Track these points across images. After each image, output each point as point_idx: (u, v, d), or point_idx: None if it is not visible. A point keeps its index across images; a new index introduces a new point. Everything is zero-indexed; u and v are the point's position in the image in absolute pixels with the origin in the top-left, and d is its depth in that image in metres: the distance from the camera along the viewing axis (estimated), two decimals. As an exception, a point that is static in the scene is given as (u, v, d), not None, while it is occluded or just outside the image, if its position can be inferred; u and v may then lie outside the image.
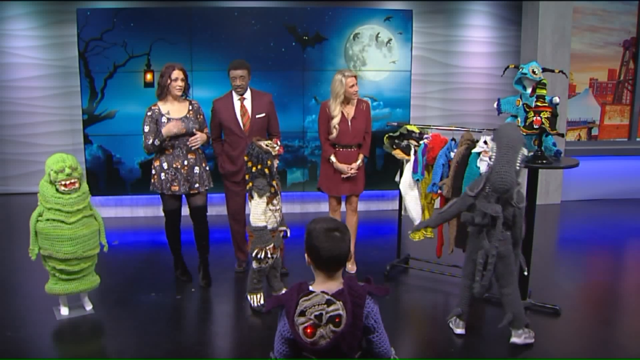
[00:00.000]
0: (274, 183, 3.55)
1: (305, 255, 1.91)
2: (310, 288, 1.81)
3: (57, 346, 3.34)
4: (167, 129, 3.83)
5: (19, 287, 4.19)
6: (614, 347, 3.35)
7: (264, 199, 3.50)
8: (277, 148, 3.57)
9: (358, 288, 1.76)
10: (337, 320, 1.70)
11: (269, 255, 3.54)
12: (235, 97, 4.13)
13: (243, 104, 4.13)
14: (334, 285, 1.81)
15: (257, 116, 4.13)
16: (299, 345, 1.74)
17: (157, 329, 3.47)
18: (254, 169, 3.49)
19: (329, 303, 1.71)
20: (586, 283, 4.45)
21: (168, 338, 3.37)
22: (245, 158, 3.55)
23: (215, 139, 4.27)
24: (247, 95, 4.15)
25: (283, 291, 3.78)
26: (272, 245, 3.53)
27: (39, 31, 6.82)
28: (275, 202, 3.57)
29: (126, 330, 3.48)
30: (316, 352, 1.73)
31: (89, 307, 3.70)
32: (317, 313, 1.70)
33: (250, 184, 3.52)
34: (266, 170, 3.48)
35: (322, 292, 1.75)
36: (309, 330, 1.69)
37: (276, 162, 3.60)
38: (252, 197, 3.54)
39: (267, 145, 3.53)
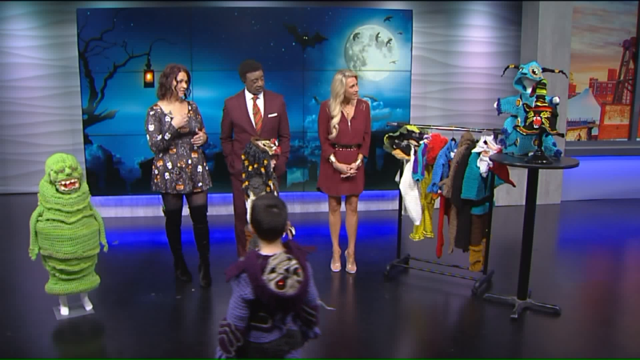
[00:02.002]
0: (270, 183, 3.55)
1: (250, 226, 2.22)
2: (262, 253, 2.13)
3: (57, 346, 3.34)
4: (179, 121, 3.88)
5: (19, 287, 4.19)
6: (614, 347, 3.35)
7: None
8: (274, 148, 3.58)
9: (300, 247, 2.16)
10: (298, 271, 2.07)
11: None
12: (248, 96, 4.15)
13: (256, 103, 4.16)
14: (277, 248, 2.15)
15: (270, 115, 4.17)
16: (264, 301, 2.03)
17: (157, 329, 3.48)
18: (250, 168, 3.52)
19: (289, 259, 2.08)
20: (586, 283, 4.45)
21: (168, 338, 3.37)
22: (243, 157, 3.57)
23: (225, 139, 4.28)
24: (260, 94, 4.18)
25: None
26: None
27: (39, 31, 6.82)
28: None
29: (126, 330, 3.48)
30: (281, 303, 2.04)
31: (89, 307, 3.70)
32: (285, 267, 2.04)
33: (246, 183, 3.54)
34: (262, 170, 3.49)
35: (280, 252, 2.09)
36: (280, 283, 2.02)
37: (273, 162, 3.61)
38: (248, 196, 3.56)
39: (264, 145, 3.54)
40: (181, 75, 3.91)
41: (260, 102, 4.17)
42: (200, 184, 4.05)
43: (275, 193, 3.62)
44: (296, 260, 2.09)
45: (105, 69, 5.78)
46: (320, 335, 2.31)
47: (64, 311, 3.62)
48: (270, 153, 3.54)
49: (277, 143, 3.63)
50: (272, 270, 2.03)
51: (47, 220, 3.39)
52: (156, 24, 5.80)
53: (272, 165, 3.60)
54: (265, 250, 2.14)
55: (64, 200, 3.38)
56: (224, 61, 5.87)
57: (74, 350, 3.28)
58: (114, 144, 5.90)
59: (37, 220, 3.41)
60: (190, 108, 4.05)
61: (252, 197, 3.53)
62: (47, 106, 6.96)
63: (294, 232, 3.73)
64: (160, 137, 3.89)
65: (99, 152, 5.90)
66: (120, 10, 5.81)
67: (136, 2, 6.66)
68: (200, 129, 4.05)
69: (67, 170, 3.36)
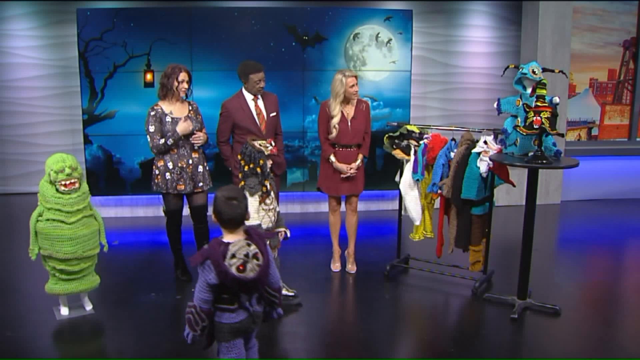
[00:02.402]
0: (267, 183, 3.56)
1: (213, 215, 2.38)
2: (224, 239, 2.32)
3: (57, 346, 3.34)
4: (183, 128, 3.87)
5: (19, 287, 4.19)
6: (614, 347, 3.35)
7: (256, 197, 3.52)
8: (270, 148, 3.58)
9: (260, 234, 2.40)
10: (257, 256, 2.28)
11: None
12: (249, 97, 4.15)
13: (257, 104, 4.16)
14: (238, 236, 2.35)
15: (271, 115, 4.19)
16: (227, 284, 2.23)
17: (157, 329, 3.48)
18: (246, 168, 3.52)
19: (248, 245, 2.28)
20: (586, 283, 4.45)
21: (168, 338, 3.36)
22: (239, 157, 3.57)
23: (225, 142, 4.25)
24: (259, 95, 4.19)
25: (283, 291, 3.81)
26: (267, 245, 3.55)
27: (39, 31, 6.82)
28: (268, 201, 3.58)
29: (126, 330, 3.48)
30: (243, 286, 2.25)
31: (89, 307, 3.70)
32: (244, 252, 2.25)
33: (242, 183, 3.55)
34: (258, 170, 3.50)
35: (240, 239, 2.30)
36: (241, 267, 2.22)
37: (270, 162, 3.61)
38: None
39: (259, 145, 3.55)
40: (182, 76, 3.93)
41: (261, 103, 4.18)
42: (200, 184, 4.06)
43: (273, 194, 3.63)
44: (255, 245, 2.29)
45: (105, 69, 5.78)
46: (282, 314, 2.54)
47: (64, 311, 3.62)
48: (266, 153, 3.54)
49: (273, 143, 3.63)
50: (233, 256, 2.23)
51: (47, 220, 3.39)
52: (156, 24, 5.80)
53: (269, 166, 3.61)
54: (227, 238, 2.33)
55: (64, 200, 3.38)
56: (224, 61, 5.87)
57: (74, 350, 3.27)
58: (114, 144, 5.90)
59: (37, 220, 3.41)
60: (190, 108, 4.07)
61: (247, 197, 3.53)
62: (47, 106, 6.96)
63: (289, 234, 3.74)
64: (162, 140, 3.90)
65: (99, 152, 5.90)
66: (120, 10, 5.81)
67: (136, 2, 6.66)
68: (200, 129, 4.06)
69: (67, 170, 3.36)
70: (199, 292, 2.29)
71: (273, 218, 3.66)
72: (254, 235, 2.35)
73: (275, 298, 2.43)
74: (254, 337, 2.54)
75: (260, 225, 3.54)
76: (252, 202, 3.51)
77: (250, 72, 4.06)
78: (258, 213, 3.54)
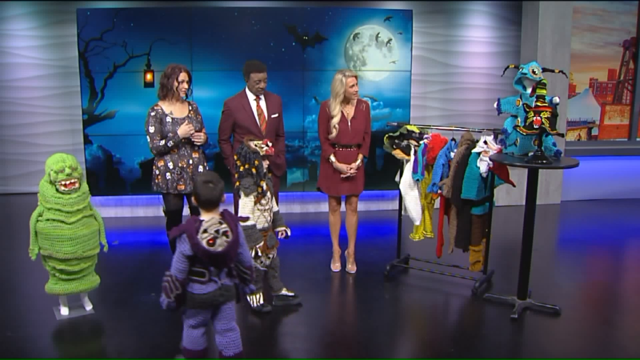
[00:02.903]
0: (262, 183, 3.55)
1: (193, 198, 2.69)
2: (201, 217, 2.62)
3: (57, 346, 3.34)
4: (184, 131, 3.88)
5: (19, 287, 4.19)
6: (614, 347, 3.35)
7: (251, 197, 3.52)
8: (265, 149, 3.57)
9: (232, 215, 2.69)
10: (227, 233, 2.58)
11: (259, 254, 3.55)
12: (251, 97, 4.16)
13: (259, 105, 4.17)
14: (213, 215, 2.65)
15: (272, 116, 4.19)
16: (199, 256, 2.54)
17: (157, 329, 3.47)
18: (241, 168, 3.53)
19: (220, 223, 2.60)
20: (586, 283, 4.45)
21: (168, 338, 3.36)
22: (235, 157, 3.58)
23: (225, 140, 4.28)
24: (261, 95, 4.19)
25: (283, 291, 3.82)
26: (261, 244, 3.55)
27: (39, 31, 6.82)
28: (263, 202, 3.58)
29: (126, 330, 3.48)
30: (212, 259, 2.55)
31: (89, 307, 3.70)
32: (215, 229, 2.57)
33: (238, 183, 3.55)
34: (253, 170, 3.50)
35: (214, 217, 2.61)
36: (210, 241, 2.53)
37: (266, 163, 3.61)
38: (239, 196, 3.57)
39: (255, 146, 3.55)
40: (182, 76, 3.93)
41: (263, 103, 4.19)
42: None
43: (269, 194, 3.63)
44: (227, 225, 2.60)
45: (105, 69, 5.78)
46: (254, 290, 2.89)
47: (64, 311, 3.62)
48: (261, 153, 3.54)
49: (269, 144, 3.62)
50: (205, 231, 2.55)
51: (47, 220, 3.39)
52: (156, 24, 5.80)
53: (265, 166, 3.60)
54: (204, 216, 2.65)
55: (64, 200, 3.38)
56: (224, 61, 5.87)
57: (74, 350, 3.27)
58: (114, 144, 5.90)
59: (37, 220, 3.41)
60: (190, 108, 4.07)
61: (243, 197, 3.54)
62: (47, 106, 6.96)
63: (289, 233, 3.75)
64: (162, 142, 3.90)
65: (99, 152, 5.90)
66: (120, 10, 5.81)
67: (136, 2, 6.66)
68: (200, 129, 4.07)
69: (67, 170, 3.36)
70: (176, 262, 2.58)
71: (269, 218, 3.66)
72: (227, 216, 2.65)
73: (246, 275, 2.74)
74: (229, 315, 2.77)
75: (254, 225, 3.54)
76: (247, 202, 3.52)
77: (252, 71, 4.07)
78: (253, 213, 3.54)
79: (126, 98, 5.82)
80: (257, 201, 3.55)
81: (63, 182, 3.36)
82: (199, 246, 2.52)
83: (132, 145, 5.86)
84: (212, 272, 2.63)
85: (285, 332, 3.53)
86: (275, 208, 3.78)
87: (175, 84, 3.92)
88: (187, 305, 2.69)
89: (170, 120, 3.93)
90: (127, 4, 6.51)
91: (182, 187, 4.01)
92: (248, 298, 3.75)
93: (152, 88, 5.71)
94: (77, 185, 3.43)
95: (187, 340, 2.79)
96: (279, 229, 3.74)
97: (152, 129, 3.91)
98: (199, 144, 4.03)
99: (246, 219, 2.85)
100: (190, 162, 4.01)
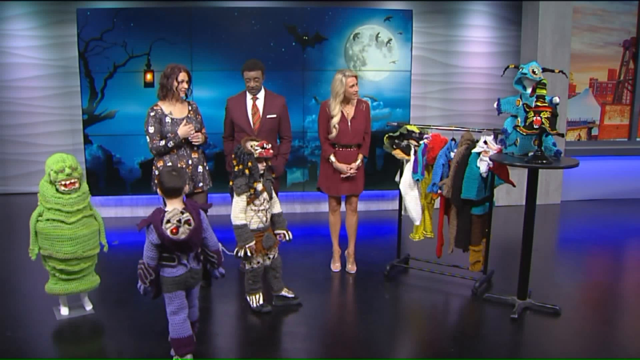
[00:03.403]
0: (256, 185, 3.54)
1: (157, 187, 2.89)
2: (165, 209, 2.83)
3: (57, 346, 3.33)
4: (184, 131, 3.87)
5: (19, 287, 4.19)
6: (614, 347, 3.35)
7: (243, 197, 3.53)
8: (259, 151, 3.56)
9: (194, 204, 2.91)
10: (189, 221, 2.78)
11: (248, 254, 3.55)
12: (249, 96, 4.17)
13: (255, 104, 4.17)
14: (178, 205, 2.85)
15: (268, 116, 4.17)
16: (165, 245, 2.76)
17: (157, 329, 3.47)
18: (236, 168, 3.53)
19: (182, 212, 2.79)
20: (586, 283, 4.45)
21: (168, 338, 3.36)
22: (232, 156, 3.59)
23: (227, 137, 4.29)
24: (261, 95, 4.19)
25: (283, 291, 3.82)
26: (252, 244, 3.55)
27: (39, 31, 6.82)
28: (257, 202, 3.58)
29: (126, 330, 3.48)
30: (178, 245, 2.76)
31: (89, 307, 3.70)
32: (178, 218, 2.76)
33: (231, 183, 3.56)
34: (246, 171, 3.50)
35: (176, 208, 2.82)
36: (174, 230, 2.73)
37: (262, 166, 3.60)
38: (232, 196, 3.59)
39: (251, 147, 3.55)
40: (182, 76, 3.92)
41: (260, 103, 4.18)
42: (200, 184, 4.05)
43: (266, 194, 3.62)
44: (189, 214, 2.80)
45: (105, 69, 5.78)
46: (223, 273, 3.13)
47: (64, 311, 3.62)
48: (255, 155, 3.54)
49: (265, 146, 3.59)
50: (168, 221, 2.75)
51: (47, 220, 3.39)
52: (156, 24, 5.80)
53: (261, 168, 3.59)
54: (168, 207, 2.85)
55: (64, 200, 3.38)
56: (224, 61, 5.87)
57: (74, 350, 3.27)
58: (114, 144, 5.90)
59: (37, 220, 3.41)
60: (190, 108, 4.06)
61: (235, 197, 3.55)
62: (47, 106, 6.96)
63: (290, 237, 3.75)
64: (162, 142, 3.89)
65: (99, 152, 5.90)
66: (120, 10, 5.81)
67: (136, 2, 6.67)
68: (200, 129, 4.06)
69: (67, 170, 3.36)
70: (146, 250, 2.82)
71: (264, 219, 3.65)
72: (189, 205, 2.87)
73: (213, 258, 3.02)
74: (195, 294, 3.06)
75: (245, 225, 3.54)
76: (239, 201, 3.53)
77: (243, 69, 4.10)
78: (245, 213, 3.55)
79: (126, 98, 5.82)
80: (250, 201, 3.56)
81: (63, 182, 3.36)
82: (164, 235, 2.72)
83: (132, 145, 5.86)
84: (180, 256, 2.85)
85: (285, 332, 3.53)
86: (278, 210, 3.76)
87: (175, 84, 3.91)
88: (164, 290, 2.90)
89: (170, 121, 3.91)
90: (127, 4, 6.51)
91: None
92: (248, 298, 3.75)
93: (152, 88, 5.71)
94: (77, 185, 3.43)
95: (172, 330, 2.94)
96: (278, 231, 3.74)
97: (151, 129, 3.91)
98: (197, 144, 4.02)
99: (208, 207, 3.04)
100: (190, 162, 4.00)
